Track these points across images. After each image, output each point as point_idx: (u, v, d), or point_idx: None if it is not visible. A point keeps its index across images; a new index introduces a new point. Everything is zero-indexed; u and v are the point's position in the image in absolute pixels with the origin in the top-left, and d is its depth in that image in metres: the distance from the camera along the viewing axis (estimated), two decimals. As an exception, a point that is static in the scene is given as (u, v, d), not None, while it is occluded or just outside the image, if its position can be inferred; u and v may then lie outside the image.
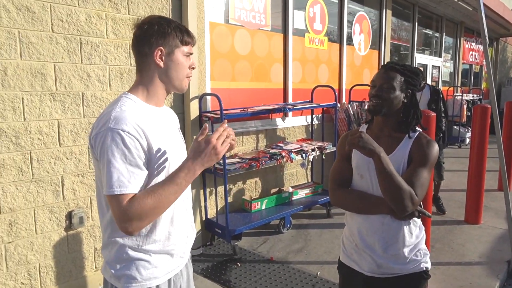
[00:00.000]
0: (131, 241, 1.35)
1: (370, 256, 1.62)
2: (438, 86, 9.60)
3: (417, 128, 1.68)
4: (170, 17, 3.40)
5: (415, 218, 1.59)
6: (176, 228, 1.44)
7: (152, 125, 1.33)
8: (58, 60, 2.76)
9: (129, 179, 1.24)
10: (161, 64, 1.36)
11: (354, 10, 6.07)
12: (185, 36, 1.39)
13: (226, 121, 1.43)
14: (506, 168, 3.63)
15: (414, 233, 1.63)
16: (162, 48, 1.35)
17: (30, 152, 2.68)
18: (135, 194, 1.26)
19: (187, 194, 1.52)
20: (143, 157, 1.28)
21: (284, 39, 4.81)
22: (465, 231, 4.25)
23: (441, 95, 4.73)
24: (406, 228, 1.60)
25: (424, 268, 1.64)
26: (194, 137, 1.37)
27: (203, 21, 3.75)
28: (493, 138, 4.71)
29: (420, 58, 8.55)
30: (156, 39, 1.34)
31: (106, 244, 1.39)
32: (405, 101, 1.63)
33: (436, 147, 1.60)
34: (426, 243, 1.70)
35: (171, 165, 1.38)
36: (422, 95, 4.67)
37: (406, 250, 1.60)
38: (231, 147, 1.38)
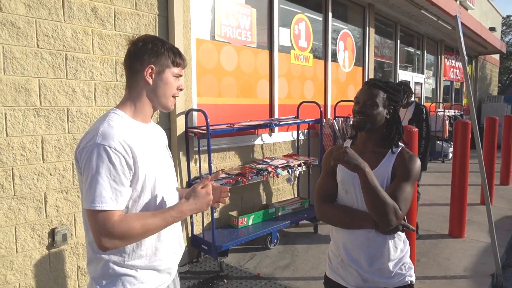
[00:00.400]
0: (116, 256, 1.35)
1: (356, 270, 1.63)
2: (421, 102, 9.80)
3: (400, 143, 1.71)
4: (157, 33, 3.43)
5: (399, 232, 1.61)
6: (163, 244, 1.44)
7: (139, 141, 1.35)
8: (42, 75, 2.74)
9: (111, 196, 1.25)
10: (150, 81, 1.40)
11: (338, 27, 6.20)
12: (177, 58, 1.43)
13: (221, 172, 1.57)
14: (487, 182, 3.70)
15: (399, 247, 1.64)
16: (153, 66, 1.39)
17: (12, 168, 2.63)
18: (121, 211, 1.28)
19: None
20: (128, 174, 1.30)
21: (270, 55, 4.88)
22: (450, 245, 4.29)
23: (423, 115, 4.47)
24: (391, 242, 1.62)
25: (409, 282, 1.65)
26: (194, 185, 1.48)
27: (189, 38, 3.79)
28: (475, 153, 4.81)
29: (403, 75, 8.74)
30: (149, 57, 1.38)
31: (91, 259, 1.39)
32: (388, 117, 1.66)
33: (418, 162, 1.63)
34: (411, 257, 1.72)
35: (157, 182, 1.40)
36: (407, 111, 4.55)
37: (391, 264, 1.61)
38: (222, 202, 1.52)
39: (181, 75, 1.48)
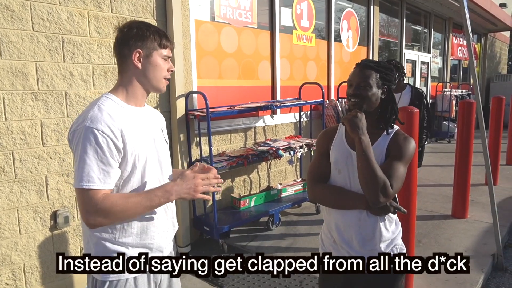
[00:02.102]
0: (108, 234, 1.41)
1: (348, 251, 1.63)
2: (427, 83, 9.65)
3: (395, 125, 1.69)
4: (154, 15, 3.39)
5: (390, 214, 1.60)
6: (155, 223, 1.49)
7: (130, 125, 1.39)
8: (39, 59, 2.73)
9: (99, 176, 1.31)
10: (139, 65, 1.43)
11: (342, 6, 6.07)
12: (163, 40, 1.45)
13: (215, 170, 1.53)
14: (492, 162, 3.66)
15: (390, 228, 1.64)
16: (140, 50, 1.42)
17: (13, 152, 2.65)
18: (108, 191, 1.34)
19: None
20: (117, 156, 1.35)
21: (271, 36, 4.80)
22: (452, 226, 4.28)
23: (424, 101, 4.01)
24: (382, 224, 1.61)
25: (401, 263, 1.65)
26: (188, 170, 1.48)
27: (188, 19, 3.73)
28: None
29: (409, 54, 8.59)
30: (135, 41, 1.41)
31: (85, 237, 1.46)
32: (383, 97, 1.64)
33: (413, 143, 1.61)
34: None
35: (148, 163, 1.44)
36: (401, 96, 4.02)
37: (382, 245, 1.61)
38: (208, 191, 1.48)
39: (169, 57, 1.50)
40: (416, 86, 4.23)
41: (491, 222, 3.73)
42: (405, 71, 4.35)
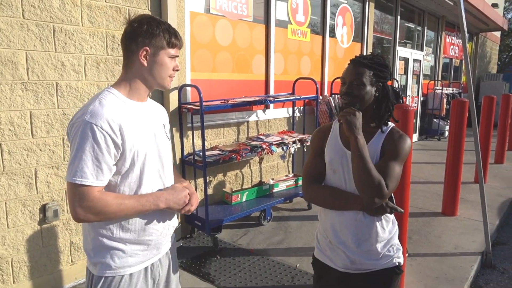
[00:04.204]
0: (105, 230, 1.40)
1: (344, 252, 1.61)
2: (419, 81, 9.66)
3: (390, 123, 1.66)
4: (149, 6, 3.32)
5: (387, 214, 1.58)
6: (155, 221, 1.47)
7: (131, 120, 1.37)
8: (30, 48, 2.65)
9: (92, 172, 1.29)
10: (145, 63, 1.41)
11: (337, 2, 6.04)
12: (173, 39, 1.43)
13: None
14: (482, 161, 3.68)
15: (387, 228, 1.62)
16: (147, 48, 1.39)
17: (1, 144, 2.58)
18: (101, 188, 1.33)
19: (169, 185, 1.56)
20: (115, 152, 1.33)
21: (266, 30, 4.75)
22: (442, 223, 4.31)
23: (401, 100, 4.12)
24: (378, 224, 1.59)
25: (397, 263, 1.64)
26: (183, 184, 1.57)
27: (183, 11, 3.67)
28: (470, 131, 4.77)
29: (402, 51, 8.60)
30: (143, 39, 1.39)
31: (84, 232, 1.46)
32: (377, 94, 1.61)
33: (408, 141, 1.59)
34: (403, 236, 1.70)
35: (148, 159, 1.43)
36: None
37: (379, 246, 1.59)
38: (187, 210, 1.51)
39: (177, 56, 1.48)
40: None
41: (481, 220, 3.77)
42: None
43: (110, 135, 1.30)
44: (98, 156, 1.29)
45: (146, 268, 1.48)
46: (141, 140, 1.39)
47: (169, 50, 1.43)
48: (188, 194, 1.52)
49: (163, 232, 1.52)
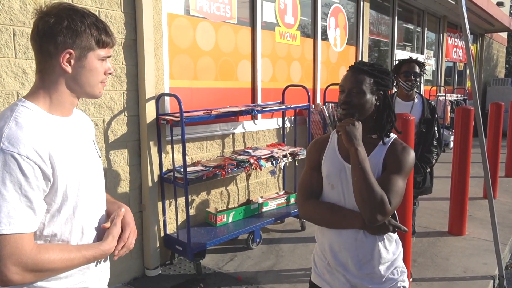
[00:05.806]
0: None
1: (344, 275, 1.63)
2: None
3: (392, 134, 1.71)
4: (122, 7, 3.35)
5: (390, 233, 1.61)
6: (86, 266, 1.36)
7: (58, 142, 1.23)
8: (-13, 55, 2.64)
9: (22, 216, 1.12)
10: (68, 69, 1.24)
11: (329, 1, 6.17)
12: (103, 36, 1.27)
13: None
14: (490, 174, 3.76)
15: (390, 249, 1.65)
16: (71, 50, 1.22)
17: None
18: (32, 234, 1.18)
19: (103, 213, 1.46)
20: (45, 186, 1.18)
21: (252, 33, 4.83)
22: (449, 244, 4.37)
23: (436, 115, 3.76)
24: (381, 244, 1.62)
25: (401, 287, 1.66)
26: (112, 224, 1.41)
27: (160, 12, 3.71)
28: (477, 141, 4.87)
29: (401, 55, 8.77)
30: (65, 39, 1.21)
31: None
32: (377, 103, 1.66)
33: (412, 154, 1.63)
34: (407, 258, 1.73)
35: (81, 190, 1.30)
36: (412, 107, 3.74)
37: (382, 268, 1.62)
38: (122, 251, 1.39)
39: (109, 56, 1.33)
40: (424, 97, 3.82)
41: (491, 239, 3.83)
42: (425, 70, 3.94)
43: (39, 164, 1.14)
44: (27, 194, 1.12)
45: None
46: (73, 167, 1.25)
47: (99, 51, 1.27)
48: (116, 233, 1.36)
49: (97, 276, 1.42)
